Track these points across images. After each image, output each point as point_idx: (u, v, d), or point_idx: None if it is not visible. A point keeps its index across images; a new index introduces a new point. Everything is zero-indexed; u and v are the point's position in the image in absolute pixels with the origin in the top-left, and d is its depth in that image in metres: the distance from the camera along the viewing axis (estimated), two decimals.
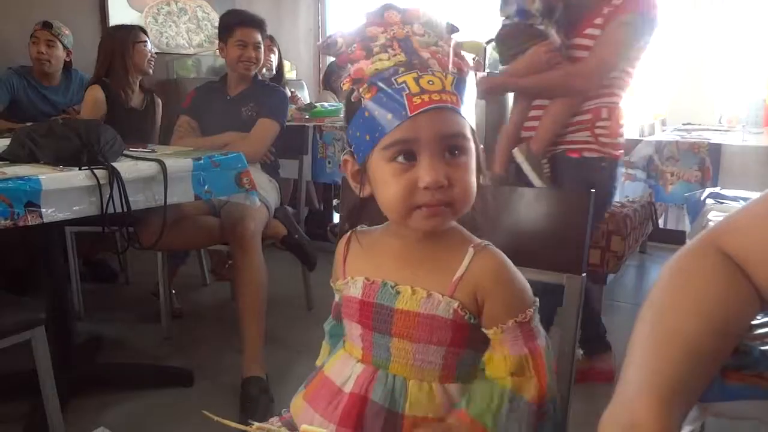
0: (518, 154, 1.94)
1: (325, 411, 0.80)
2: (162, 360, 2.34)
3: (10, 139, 1.78)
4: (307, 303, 2.83)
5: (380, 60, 0.72)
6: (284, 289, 2.82)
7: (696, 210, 1.58)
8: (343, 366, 0.83)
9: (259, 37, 2.48)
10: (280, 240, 2.43)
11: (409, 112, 0.70)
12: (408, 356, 0.77)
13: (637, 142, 3.13)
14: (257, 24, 2.49)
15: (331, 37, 0.75)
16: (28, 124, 2.55)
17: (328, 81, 4.35)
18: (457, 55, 0.75)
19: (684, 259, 0.61)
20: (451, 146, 0.72)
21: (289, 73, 4.58)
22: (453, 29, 0.77)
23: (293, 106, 3.58)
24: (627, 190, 2.88)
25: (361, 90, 0.73)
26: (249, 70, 2.49)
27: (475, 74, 0.79)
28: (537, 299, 0.78)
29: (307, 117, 3.51)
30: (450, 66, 0.73)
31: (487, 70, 3.47)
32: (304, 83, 4.81)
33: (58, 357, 1.71)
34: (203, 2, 4.18)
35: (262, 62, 2.55)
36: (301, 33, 5.10)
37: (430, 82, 0.71)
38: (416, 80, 0.71)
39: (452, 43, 0.75)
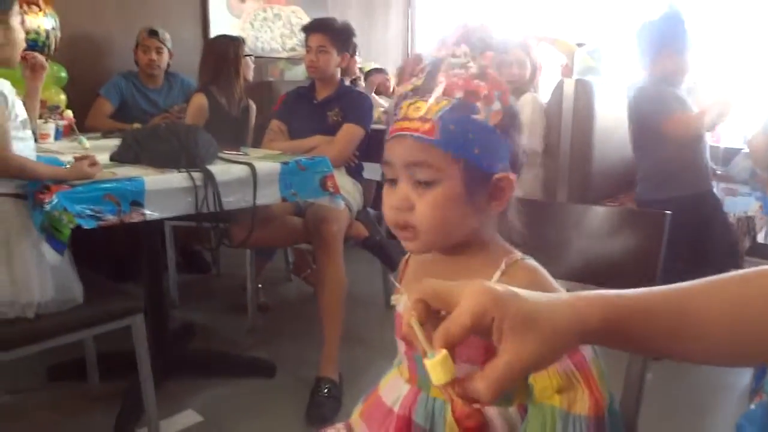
0: None
1: None
2: (247, 350, 2.47)
3: (119, 139, 1.95)
4: (386, 302, 2.88)
5: (407, 84, 0.76)
6: (364, 287, 2.90)
7: None
8: (393, 386, 0.86)
9: (323, 41, 2.48)
10: (362, 241, 2.51)
11: (387, 137, 0.76)
12: None
13: (736, 152, 2.97)
14: (317, 28, 2.52)
15: (405, 60, 0.80)
16: (135, 125, 2.77)
17: None
18: (483, 76, 0.73)
19: None
20: (417, 173, 0.74)
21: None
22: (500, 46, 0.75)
23: (381, 109, 3.65)
24: (729, 206, 2.75)
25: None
26: (314, 74, 2.55)
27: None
28: None
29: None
30: (457, 91, 0.72)
31: (576, 77, 3.39)
32: (389, 85, 4.87)
33: (154, 341, 1.85)
34: (297, 8, 4.33)
35: (333, 65, 2.54)
36: (390, 38, 5.17)
37: (416, 109, 0.73)
38: (408, 106, 0.75)
39: (495, 60, 0.73)
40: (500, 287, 0.52)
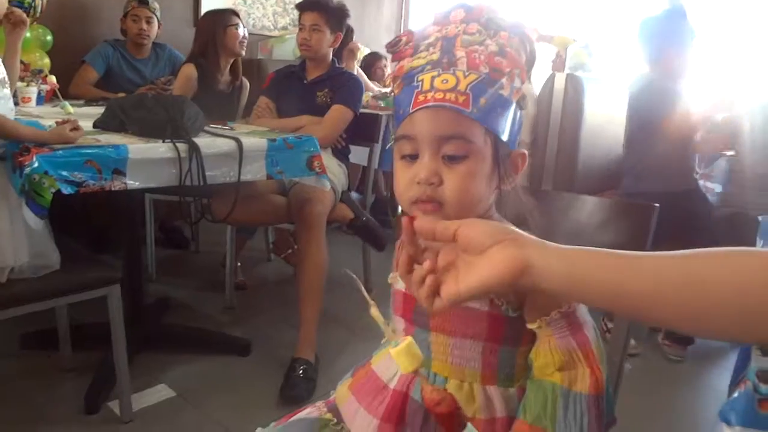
0: None
1: (369, 405, 0.83)
2: (222, 327, 2.45)
3: (102, 107, 1.90)
4: (366, 286, 2.87)
5: (418, 58, 0.73)
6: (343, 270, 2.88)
7: None
8: (389, 362, 0.84)
9: (317, 19, 2.46)
10: (348, 223, 2.49)
11: (410, 109, 0.71)
12: (446, 352, 0.78)
13: (719, 155, 3.01)
14: (311, 6, 2.49)
15: (398, 36, 0.77)
16: (120, 94, 2.71)
17: None
18: (503, 54, 0.72)
19: None
20: (447, 147, 0.71)
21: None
22: (517, 28, 0.74)
23: (370, 94, 3.62)
24: None
25: (394, 86, 0.76)
26: (306, 52, 2.52)
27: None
28: None
29: (381, 105, 3.55)
30: (482, 66, 0.71)
31: (568, 70, 3.40)
32: (386, 72, 4.84)
33: (129, 314, 1.81)
34: None
35: (326, 44, 2.52)
36: (384, 21, 5.13)
37: (444, 81, 0.70)
38: (432, 78, 0.71)
39: (511, 41, 0.73)
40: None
